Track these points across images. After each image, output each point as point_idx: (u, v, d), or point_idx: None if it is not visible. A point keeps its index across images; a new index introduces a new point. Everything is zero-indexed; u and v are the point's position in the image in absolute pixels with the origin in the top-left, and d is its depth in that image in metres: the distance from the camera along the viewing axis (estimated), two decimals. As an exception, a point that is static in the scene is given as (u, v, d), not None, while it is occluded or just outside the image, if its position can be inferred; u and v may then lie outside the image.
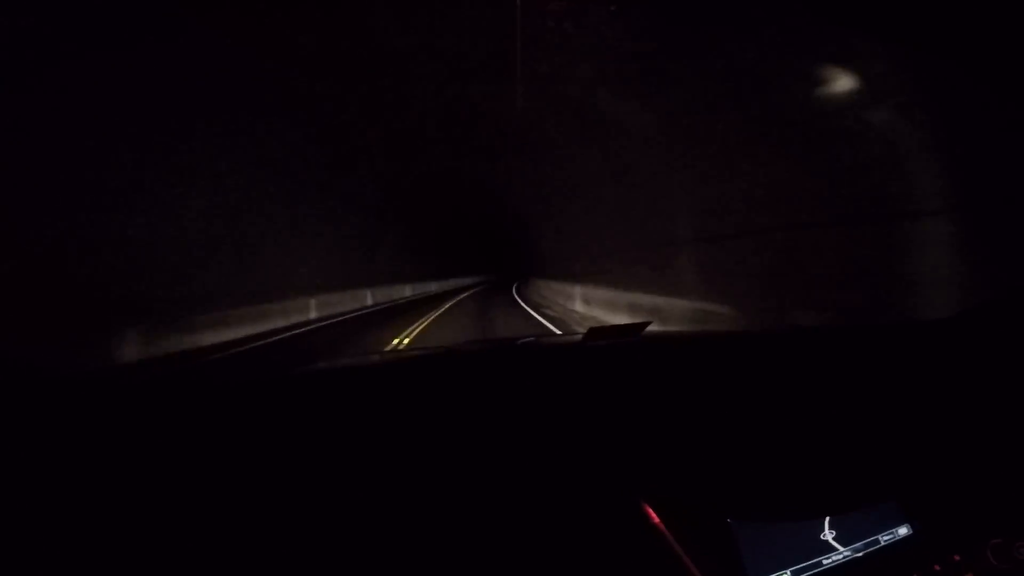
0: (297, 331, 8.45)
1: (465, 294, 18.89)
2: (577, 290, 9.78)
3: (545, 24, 3.76)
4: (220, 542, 0.61)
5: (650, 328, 1.31)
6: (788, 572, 0.64)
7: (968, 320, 1.06)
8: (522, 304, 12.40)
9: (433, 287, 21.15)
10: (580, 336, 1.21)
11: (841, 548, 0.68)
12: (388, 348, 6.20)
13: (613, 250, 7.22)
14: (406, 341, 6.90)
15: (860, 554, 0.68)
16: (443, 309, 11.92)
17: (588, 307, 8.89)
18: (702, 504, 0.68)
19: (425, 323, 9.01)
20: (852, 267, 3.04)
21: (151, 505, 0.65)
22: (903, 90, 2.43)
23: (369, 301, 13.23)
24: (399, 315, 10.75)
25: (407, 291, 17.23)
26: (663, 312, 5.40)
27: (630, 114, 4.64)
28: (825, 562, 0.66)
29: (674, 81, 3.85)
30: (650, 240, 5.84)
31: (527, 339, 1.44)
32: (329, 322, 9.68)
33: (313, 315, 10.01)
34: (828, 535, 0.68)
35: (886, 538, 0.70)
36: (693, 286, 4.89)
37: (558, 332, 7.17)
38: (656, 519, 0.64)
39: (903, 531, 0.71)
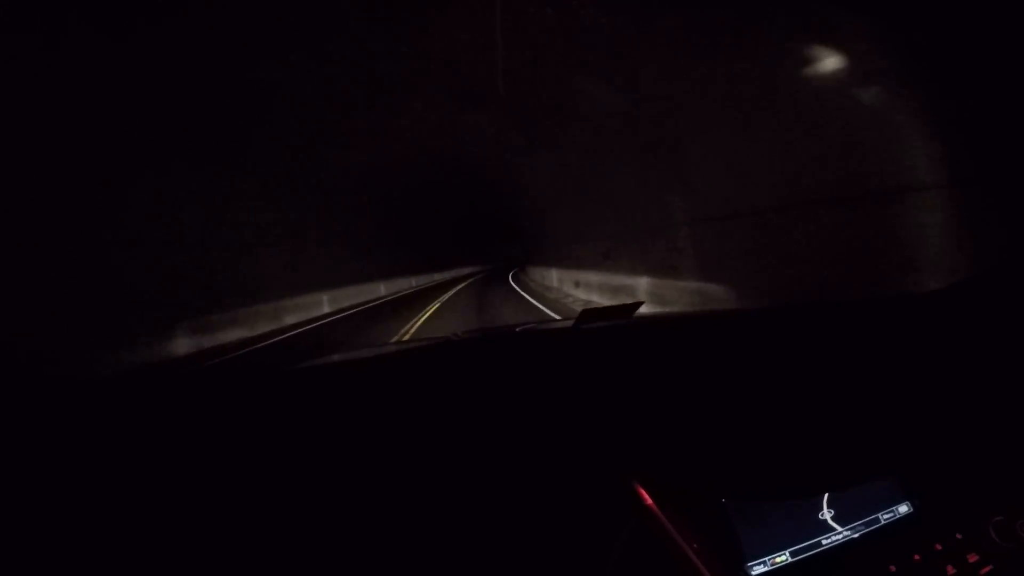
0: (339, 315, 9.55)
1: (465, 282, 19.10)
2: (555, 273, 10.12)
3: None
4: (226, 532, 0.62)
5: (642, 309, 1.29)
6: (787, 553, 0.63)
7: (964, 292, 1.04)
8: (515, 287, 12.78)
9: (436, 277, 21.63)
10: (573, 321, 1.20)
11: (840, 528, 0.66)
12: (404, 329, 6.74)
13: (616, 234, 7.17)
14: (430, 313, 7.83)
15: (859, 534, 0.66)
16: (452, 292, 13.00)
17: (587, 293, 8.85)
18: (696, 484, 0.66)
19: (439, 304, 9.87)
20: (841, 245, 3.05)
21: (158, 503, 0.65)
22: (889, 69, 2.40)
23: (383, 291, 14.43)
24: (419, 298, 12.00)
25: (413, 281, 17.90)
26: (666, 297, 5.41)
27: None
28: (824, 542, 0.65)
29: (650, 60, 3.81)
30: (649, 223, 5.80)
31: (523, 325, 1.44)
32: (367, 306, 11.01)
33: (345, 304, 11.14)
34: (827, 514, 0.66)
35: (886, 516, 0.68)
36: (692, 267, 4.87)
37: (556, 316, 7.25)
38: (649, 500, 0.63)
39: (903, 509, 0.69)
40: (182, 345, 5.99)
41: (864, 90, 2.61)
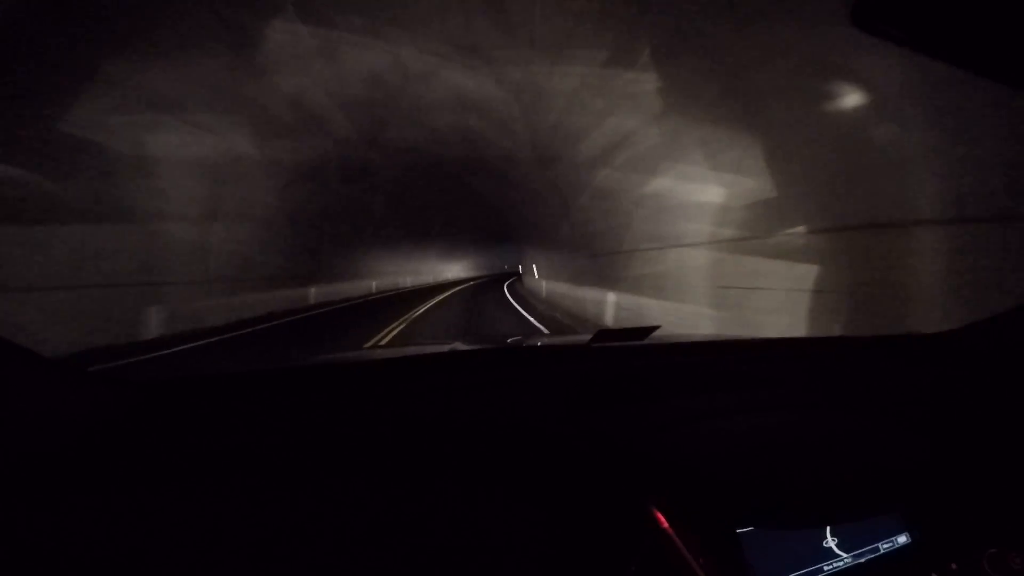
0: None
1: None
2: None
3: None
4: (208, 540, 0.61)
5: (658, 332, 1.32)
6: None
7: (972, 333, 1.08)
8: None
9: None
10: (588, 337, 1.20)
11: (843, 555, 0.70)
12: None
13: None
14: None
15: (861, 561, 0.70)
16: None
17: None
18: (711, 511, 0.69)
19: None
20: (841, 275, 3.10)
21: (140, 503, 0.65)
22: (903, 99, 2.45)
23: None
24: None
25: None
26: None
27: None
28: (827, 568, 0.68)
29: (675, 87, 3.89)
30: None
31: (533, 339, 1.43)
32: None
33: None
34: (831, 542, 0.70)
35: (885, 546, 0.72)
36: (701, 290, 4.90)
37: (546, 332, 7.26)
38: (666, 524, 0.66)
39: (902, 539, 0.73)
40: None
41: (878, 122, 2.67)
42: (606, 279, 7.67)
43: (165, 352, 6.09)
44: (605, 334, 1.18)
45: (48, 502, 0.61)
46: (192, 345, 6.72)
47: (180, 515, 0.63)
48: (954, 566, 0.69)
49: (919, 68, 2.22)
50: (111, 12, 3.82)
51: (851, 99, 2.73)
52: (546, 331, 7.67)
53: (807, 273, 3.37)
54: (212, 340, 7.18)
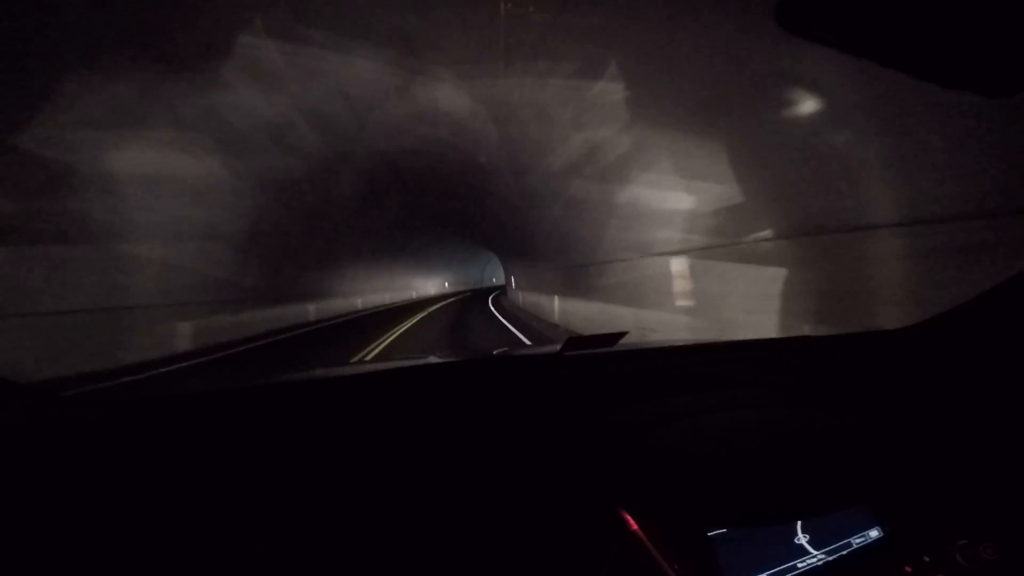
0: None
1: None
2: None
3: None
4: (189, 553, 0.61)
5: (626, 338, 1.33)
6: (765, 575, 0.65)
7: (934, 328, 1.10)
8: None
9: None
10: (558, 347, 1.22)
11: (815, 551, 0.69)
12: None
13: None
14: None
15: (833, 557, 0.69)
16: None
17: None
18: (680, 511, 0.69)
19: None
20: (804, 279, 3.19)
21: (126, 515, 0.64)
22: (858, 108, 2.55)
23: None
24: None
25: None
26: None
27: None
28: (800, 565, 0.67)
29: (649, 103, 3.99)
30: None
31: (504, 350, 1.45)
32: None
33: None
34: (802, 539, 0.69)
35: (858, 540, 0.72)
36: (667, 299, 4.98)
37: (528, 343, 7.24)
38: (635, 526, 0.65)
39: (874, 533, 0.73)
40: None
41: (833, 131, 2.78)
42: (588, 289, 7.75)
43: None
44: (575, 342, 1.20)
45: (17, 520, 0.62)
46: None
47: (151, 534, 0.63)
48: (927, 558, 0.69)
49: (869, 74, 2.32)
50: (72, 27, 3.72)
51: (810, 106, 2.84)
52: (528, 343, 7.71)
53: (776, 276, 3.46)
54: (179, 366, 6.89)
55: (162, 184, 6.29)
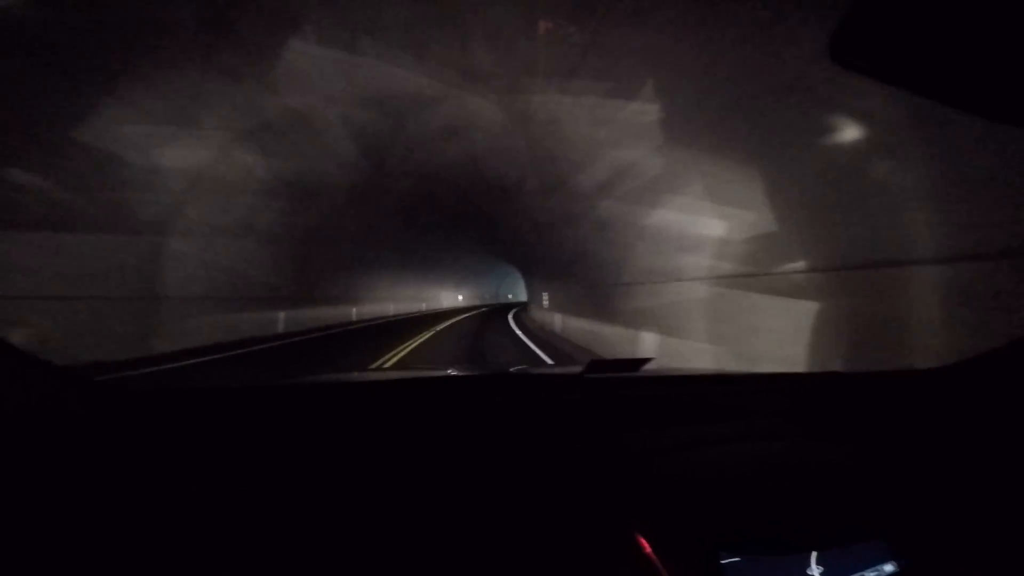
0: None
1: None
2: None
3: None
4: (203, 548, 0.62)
5: (651, 364, 1.31)
6: None
7: (968, 369, 1.06)
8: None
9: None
10: (580, 368, 1.22)
11: None
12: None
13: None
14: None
15: None
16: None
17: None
18: (694, 536, 0.69)
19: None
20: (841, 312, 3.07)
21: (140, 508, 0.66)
22: (901, 135, 2.47)
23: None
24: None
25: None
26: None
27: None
28: None
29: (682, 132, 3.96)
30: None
31: (522, 368, 1.46)
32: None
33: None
34: (816, 571, 0.68)
35: (871, 575, 0.70)
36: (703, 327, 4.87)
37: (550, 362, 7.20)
38: (648, 549, 0.65)
39: (888, 568, 0.71)
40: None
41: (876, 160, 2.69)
42: (609, 313, 7.64)
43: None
44: (599, 364, 1.21)
45: (43, 494, 0.65)
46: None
47: (160, 517, 0.65)
48: None
49: (915, 105, 2.24)
50: (127, 26, 3.93)
51: (851, 134, 2.76)
52: (550, 361, 7.67)
53: (808, 310, 3.34)
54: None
55: (203, 181, 6.56)
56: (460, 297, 34.58)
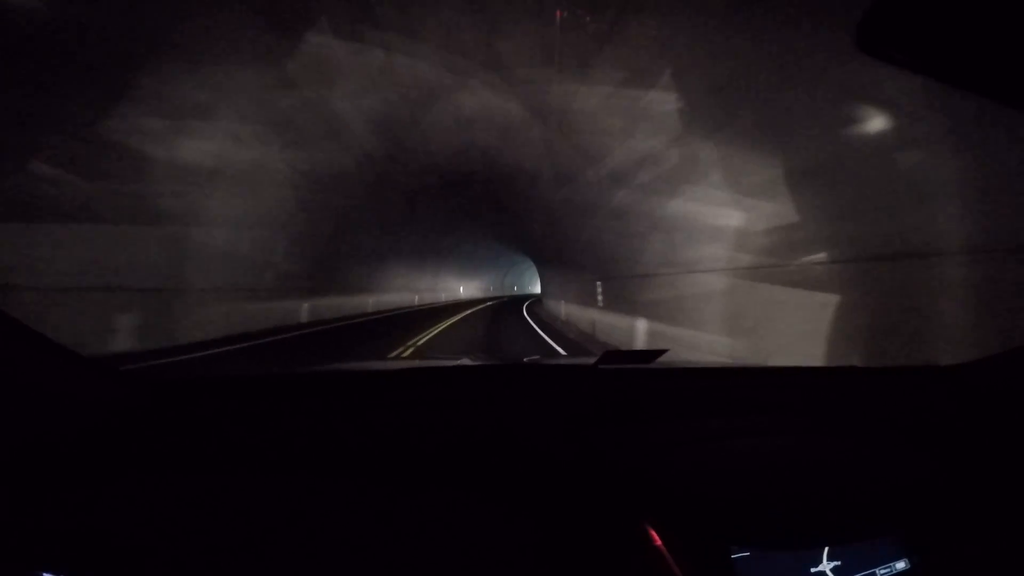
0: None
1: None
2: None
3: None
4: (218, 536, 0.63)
5: (666, 356, 1.30)
6: None
7: (989, 366, 1.04)
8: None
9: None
10: (594, 359, 1.21)
11: None
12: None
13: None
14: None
15: None
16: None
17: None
18: (704, 530, 0.68)
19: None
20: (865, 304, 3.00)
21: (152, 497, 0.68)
22: (928, 126, 2.39)
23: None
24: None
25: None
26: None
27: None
28: None
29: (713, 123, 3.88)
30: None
31: (535, 358, 1.46)
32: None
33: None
34: (826, 566, 0.67)
35: (883, 572, 0.69)
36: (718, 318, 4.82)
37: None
38: (659, 541, 0.65)
39: (900, 565, 0.70)
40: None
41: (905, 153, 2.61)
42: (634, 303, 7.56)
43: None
44: (612, 356, 1.18)
45: (64, 476, 0.68)
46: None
47: (173, 502, 0.67)
48: None
49: (943, 94, 2.17)
50: (149, 20, 4.00)
51: (876, 124, 2.68)
52: (563, 352, 7.65)
53: (827, 302, 3.28)
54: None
55: (223, 174, 6.67)
56: (472, 287, 34.21)
